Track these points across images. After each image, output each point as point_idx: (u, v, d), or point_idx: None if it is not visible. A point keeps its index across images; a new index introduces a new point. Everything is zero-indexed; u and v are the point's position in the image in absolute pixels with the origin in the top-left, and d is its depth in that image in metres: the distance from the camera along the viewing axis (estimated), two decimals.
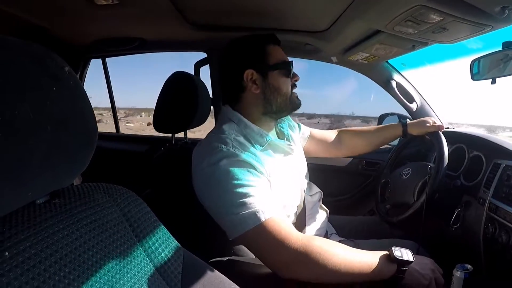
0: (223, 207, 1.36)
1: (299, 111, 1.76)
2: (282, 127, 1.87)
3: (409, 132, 2.09)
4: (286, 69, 1.65)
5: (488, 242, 1.64)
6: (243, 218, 1.30)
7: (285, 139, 1.81)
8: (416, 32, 1.66)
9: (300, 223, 1.68)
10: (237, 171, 1.36)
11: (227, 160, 1.38)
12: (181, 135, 2.12)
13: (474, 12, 1.36)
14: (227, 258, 1.55)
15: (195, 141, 1.86)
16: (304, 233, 1.67)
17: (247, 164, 1.40)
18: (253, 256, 1.45)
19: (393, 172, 2.23)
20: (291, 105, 1.69)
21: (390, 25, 1.63)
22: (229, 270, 1.23)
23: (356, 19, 1.77)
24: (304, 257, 1.27)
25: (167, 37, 2.63)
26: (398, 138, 2.25)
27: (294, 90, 1.71)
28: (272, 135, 1.68)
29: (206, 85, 2.00)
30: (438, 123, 1.99)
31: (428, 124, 2.03)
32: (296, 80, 1.70)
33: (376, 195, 2.23)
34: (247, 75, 1.58)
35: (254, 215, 1.29)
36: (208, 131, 1.65)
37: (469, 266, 1.43)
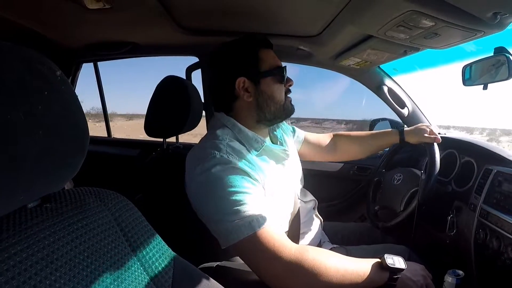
0: (216, 215, 1.34)
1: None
2: (276, 132, 1.86)
3: (407, 140, 2.07)
4: (279, 75, 1.62)
5: (479, 248, 1.65)
6: (237, 227, 1.28)
7: (279, 143, 1.80)
8: (408, 37, 1.67)
9: (295, 230, 1.67)
10: (231, 178, 1.35)
11: (220, 166, 1.37)
12: (173, 139, 2.12)
13: (466, 17, 1.37)
14: (217, 264, 1.54)
15: (187, 146, 1.86)
16: (298, 242, 1.67)
17: (241, 171, 1.39)
18: (243, 261, 1.45)
19: (387, 173, 2.24)
20: (285, 112, 1.67)
21: (382, 30, 1.63)
22: (219, 276, 1.23)
23: (348, 24, 1.77)
24: (297, 269, 1.26)
25: (159, 42, 2.63)
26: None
27: (288, 95, 1.69)
28: (266, 140, 1.67)
29: (198, 89, 1.99)
30: (433, 130, 1.99)
31: (425, 134, 1.99)
32: (290, 85, 1.69)
33: (368, 194, 2.24)
34: (239, 83, 1.56)
35: (249, 223, 1.28)
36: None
37: (460, 272, 1.44)
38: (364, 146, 2.24)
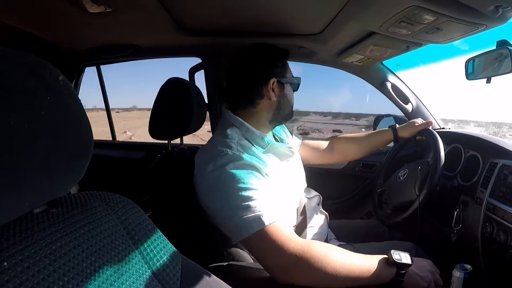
0: (228, 210, 1.37)
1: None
2: (279, 134, 1.94)
3: (400, 135, 2.15)
4: (297, 84, 1.81)
5: (487, 241, 1.64)
6: (247, 222, 1.31)
7: (283, 142, 1.86)
8: (410, 33, 1.67)
9: (301, 226, 1.69)
10: (243, 174, 1.39)
11: (233, 164, 1.41)
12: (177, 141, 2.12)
13: (467, 11, 1.36)
14: (226, 263, 1.54)
15: (191, 147, 1.86)
16: (305, 237, 1.69)
17: (252, 167, 1.43)
18: (251, 261, 1.46)
19: (387, 180, 2.24)
20: (291, 116, 1.81)
21: (384, 26, 1.63)
22: (228, 275, 1.23)
23: (350, 21, 1.77)
24: (303, 262, 1.27)
25: (162, 44, 2.63)
26: (391, 143, 2.27)
27: None
28: (271, 139, 1.71)
29: (201, 90, 2.00)
30: (434, 123, 2.01)
31: (416, 124, 2.10)
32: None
33: (374, 204, 2.23)
34: (271, 83, 1.65)
35: (259, 218, 1.31)
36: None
37: (468, 266, 1.43)
38: (360, 146, 2.29)
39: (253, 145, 1.58)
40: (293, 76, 1.79)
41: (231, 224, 1.38)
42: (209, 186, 1.46)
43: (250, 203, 1.34)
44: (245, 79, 1.69)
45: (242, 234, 1.33)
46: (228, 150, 1.45)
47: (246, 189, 1.36)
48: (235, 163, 1.41)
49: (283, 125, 2.04)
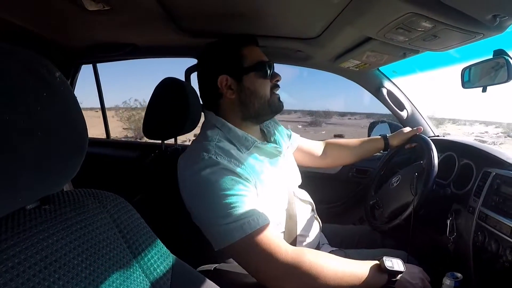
0: (208, 218, 1.36)
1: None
2: (269, 128, 1.88)
3: (390, 144, 2.20)
4: (262, 70, 1.64)
5: (478, 250, 1.64)
6: (229, 230, 1.29)
7: (272, 139, 1.81)
8: (407, 39, 1.67)
9: (291, 230, 1.65)
10: (221, 180, 1.36)
11: (210, 169, 1.37)
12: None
13: (465, 20, 1.36)
14: (214, 266, 1.54)
15: (185, 148, 1.86)
16: (296, 242, 1.66)
17: (231, 172, 1.39)
18: None
19: (379, 190, 2.26)
20: (271, 108, 1.68)
21: (381, 32, 1.63)
22: (217, 279, 1.22)
23: (348, 26, 1.77)
24: (294, 271, 1.27)
25: (159, 43, 2.63)
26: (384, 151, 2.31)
27: (276, 92, 1.71)
28: (257, 139, 1.65)
29: (196, 91, 1.99)
30: (428, 130, 2.01)
31: (405, 131, 2.15)
32: (277, 80, 1.69)
33: (367, 215, 2.22)
34: (221, 81, 1.59)
35: (240, 227, 1.29)
36: None
37: (459, 275, 1.43)
38: (352, 152, 2.32)
39: (235, 146, 1.54)
40: (256, 63, 1.63)
41: (212, 232, 1.36)
42: (188, 191, 1.45)
43: (231, 210, 1.31)
44: (200, 82, 1.70)
45: (223, 242, 1.31)
46: (205, 154, 1.42)
47: (226, 196, 1.33)
48: (213, 168, 1.38)
49: (276, 121, 2.02)
